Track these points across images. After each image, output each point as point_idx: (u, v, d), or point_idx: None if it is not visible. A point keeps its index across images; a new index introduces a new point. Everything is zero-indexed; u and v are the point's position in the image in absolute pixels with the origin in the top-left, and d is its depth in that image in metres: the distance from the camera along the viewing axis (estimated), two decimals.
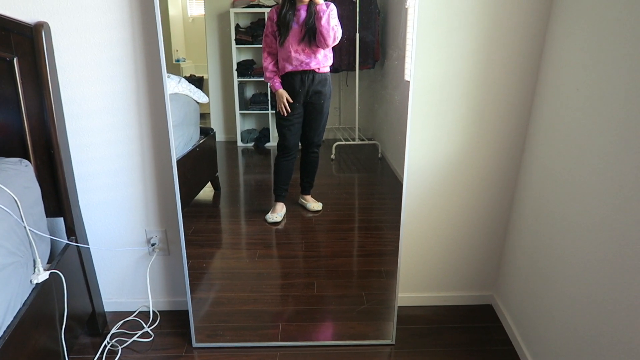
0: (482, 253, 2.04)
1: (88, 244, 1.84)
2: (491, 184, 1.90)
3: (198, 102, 1.93)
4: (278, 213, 2.09)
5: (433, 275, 2.08)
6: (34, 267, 1.46)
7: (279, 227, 2.13)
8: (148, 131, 1.75)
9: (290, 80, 1.84)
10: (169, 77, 1.61)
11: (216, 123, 2.04)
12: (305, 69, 1.81)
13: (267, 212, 2.11)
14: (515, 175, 1.88)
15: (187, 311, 1.88)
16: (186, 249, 1.75)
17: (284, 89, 1.86)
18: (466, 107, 1.76)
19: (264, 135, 2.11)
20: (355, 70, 1.93)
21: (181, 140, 1.79)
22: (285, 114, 1.87)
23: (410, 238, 1.99)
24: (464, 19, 1.64)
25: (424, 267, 2.06)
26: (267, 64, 1.85)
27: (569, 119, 1.49)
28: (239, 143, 2.10)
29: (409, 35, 1.72)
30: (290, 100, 1.85)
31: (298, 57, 1.79)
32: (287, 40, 1.78)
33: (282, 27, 1.77)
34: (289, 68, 1.81)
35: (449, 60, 1.70)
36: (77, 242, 1.72)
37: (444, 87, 1.73)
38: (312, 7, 1.72)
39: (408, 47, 1.62)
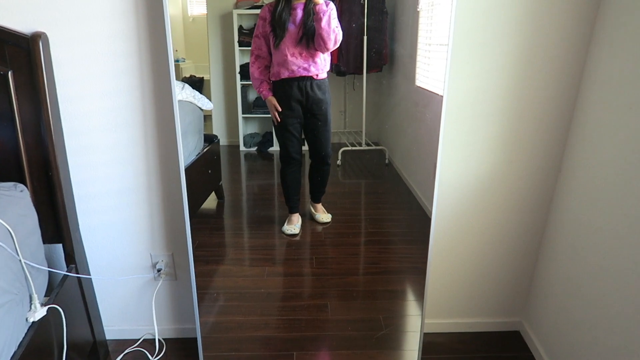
0: (511, 277, 1.93)
1: (89, 272, 1.71)
2: (523, 205, 1.79)
3: (202, 109, 1.83)
4: (295, 224, 1.99)
5: (458, 300, 1.97)
6: (30, 303, 1.33)
7: (294, 239, 2.04)
8: (154, 148, 1.62)
9: (287, 87, 1.70)
10: None
11: (218, 127, 1.97)
12: (303, 75, 1.67)
13: (274, 222, 2.03)
14: (549, 196, 1.77)
15: (194, 339, 1.76)
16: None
17: (279, 97, 1.73)
18: (499, 124, 1.65)
19: (267, 139, 2.04)
20: (362, 73, 1.84)
21: (185, 150, 1.67)
22: (277, 122, 1.75)
23: (434, 260, 1.87)
24: (499, 30, 1.52)
25: (448, 291, 1.95)
26: (254, 69, 1.71)
27: (618, 139, 1.37)
28: (242, 147, 2.03)
29: (421, 40, 1.64)
30: (279, 109, 1.72)
31: (295, 61, 1.65)
32: (282, 42, 1.63)
33: (277, 28, 1.62)
34: (285, 74, 1.67)
35: (482, 74, 1.58)
36: (77, 271, 1.59)
37: (476, 102, 1.62)
38: (309, 5, 1.57)
39: (420, 52, 1.52)
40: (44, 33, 1.40)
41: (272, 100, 1.72)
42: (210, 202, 2.04)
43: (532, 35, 1.52)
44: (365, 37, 1.75)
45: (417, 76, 1.72)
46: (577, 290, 1.59)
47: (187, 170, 1.62)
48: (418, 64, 1.71)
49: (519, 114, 1.63)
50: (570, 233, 1.64)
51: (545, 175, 1.74)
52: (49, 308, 1.37)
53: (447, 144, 1.68)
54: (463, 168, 1.72)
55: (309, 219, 2.03)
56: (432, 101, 1.67)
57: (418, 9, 1.65)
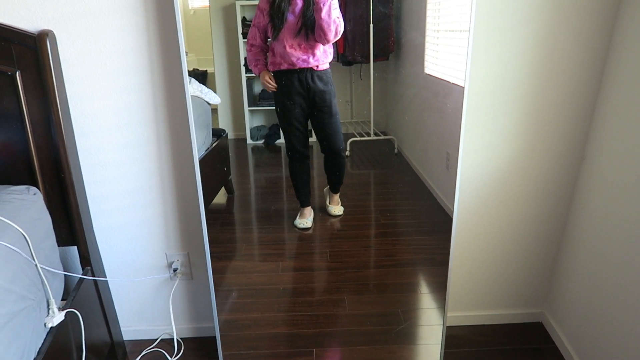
0: (533, 267, 1.89)
1: (104, 274, 1.69)
2: (545, 194, 1.75)
3: (209, 103, 1.80)
4: (307, 218, 1.96)
5: (479, 292, 1.94)
6: (48, 308, 1.30)
7: (306, 232, 2.01)
8: (167, 146, 1.59)
9: (287, 79, 1.66)
10: None
11: (224, 120, 1.93)
12: (303, 66, 1.62)
13: (284, 216, 2.00)
14: (572, 184, 1.73)
15: (212, 337, 1.75)
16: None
17: (280, 88, 1.69)
18: (519, 112, 1.60)
19: (274, 132, 1.99)
20: (369, 62, 1.79)
21: None
22: (272, 89, 1.69)
23: (455, 251, 1.83)
24: (518, 14, 1.46)
25: (468, 283, 1.91)
26: (249, 55, 1.67)
27: None
28: (249, 141, 1.99)
29: (429, 26, 1.61)
30: (273, 83, 1.67)
31: (294, 53, 1.59)
32: (281, 33, 1.58)
33: (276, 18, 1.57)
34: (285, 66, 1.62)
35: (501, 61, 1.53)
36: (92, 274, 1.57)
37: (496, 90, 1.57)
38: None
39: (429, 39, 1.49)
40: (51, 31, 1.36)
41: (266, 74, 1.67)
42: (220, 197, 2.01)
43: (553, 19, 1.47)
44: (371, 25, 1.70)
45: (426, 64, 1.68)
46: (600, 281, 1.56)
47: None
48: (427, 51, 1.67)
49: (540, 101, 1.59)
50: (594, 222, 1.60)
51: (568, 164, 1.69)
52: (67, 312, 1.34)
53: (466, 133, 1.63)
54: (483, 158, 1.68)
55: (320, 212, 2.00)
56: (442, 89, 1.64)
57: None
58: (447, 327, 1.95)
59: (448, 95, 1.60)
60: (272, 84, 1.67)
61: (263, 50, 1.67)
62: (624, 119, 1.43)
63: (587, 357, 1.65)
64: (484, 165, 1.70)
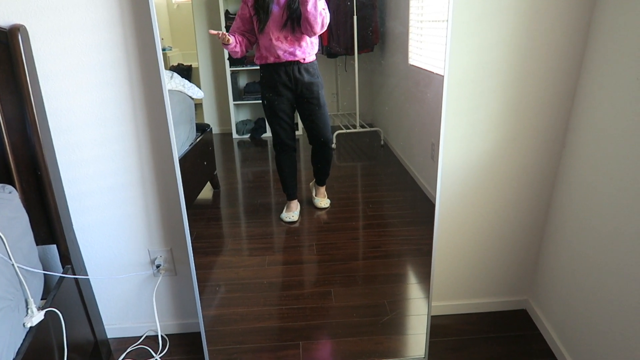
0: (517, 255, 1.91)
1: (86, 272, 1.67)
2: (528, 182, 1.76)
3: (192, 98, 1.78)
4: (294, 212, 1.95)
5: (463, 281, 1.95)
6: (27, 308, 1.29)
7: (294, 225, 2.00)
8: (146, 141, 1.57)
9: (274, 72, 1.64)
10: None
11: (209, 115, 1.92)
12: (290, 59, 1.61)
13: (271, 210, 1.99)
14: (554, 172, 1.74)
15: (198, 333, 1.74)
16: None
17: (267, 81, 1.67)
18: (501, 100, 1.61)
19: (260, 125, 1.98)
20: (353, 54, 1.78)
21: (178, 141, 1.62)
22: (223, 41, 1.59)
23: (440, 241, 1.85)
24: (498, 3, 1.46)
25: (453, 272, 1.93)
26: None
27: (624, 112, 1.33)
28: (234, 135, 1.98)
29: (412, 17, 1.61)
30: (231, 40, 1.57)
31: (280, 45, 1.58)
32: (267, 26, 1.56)
33: (261, 10, 1.55)
34: (271, 59, 1.61)
35: (482, 49, 1.53)
36: (73, 272, 1.55)
37: (477, 79, 1.57)
38: None
39: (412, 29, 1.50)
40: (22, 25, 1.33)
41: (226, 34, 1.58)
42: (206, 192, 1.99)
43: (532, 5, 1.47)
44: (355, 17, 1.69)
45: (410, 54, 1.68)
46: (584, 267, 1.58)
47: (180, 161, 1.58)
48: (410, 42, 1.67)
49: (521, 89, 1.59)
50: (576, 209, 1.62)
51: (549, 152, 1.70)
52: (46, 312, 1.33)
53: (448, 123, 1.64)
54: (466, 147, 1.69)
55: (307, 205, 1.99)
56: (426, 79, 1.64)
57: None
58: (434, 316, 1.97)
59: (430, 85, 1.60)
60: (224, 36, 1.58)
61: (244, 35, 1.63)
62: (603, 107, 1.44)
63: (570, 343, 1.67)
64: (466, 155, 1.70)
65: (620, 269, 1.37)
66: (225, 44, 1.58)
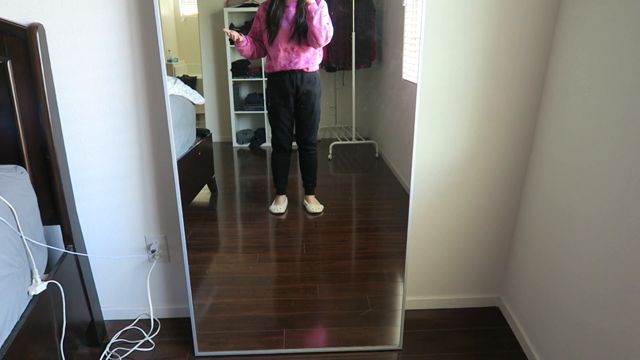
0: (489, 254, 2.01)
1: (86, 252, 1.79)
2: (498, 184, 1.87)
3: (194, 104, 1.88)
4: (281, 205, 2.05)
5: (439, 278, 2.05)
6: (31, 278, 1.41)
7: (280, 229, 2.09)
8: (147, 135, 1.70)
9: (280, 80, 1.79)
10: None
11: (211, 124, 2.00)
12: (294, 68, 1.75)
13: (266, 214, 2.07)
14: (522, 175, 1.85)
15: (188, 318, 1.83)
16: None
17: (273, 88, 1.82)
18: (472, 107, 1.73)
19: (259, 135, 2.06)
20: (351, 69, 1.87)
21: (178, 143, 1.73)
22: (234, 39, 1.76)
23: (415, 240, 1.96)
24: (470, 17, 1.60)
25: (429, 269, 2.03)
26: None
27: (580, 118, 1.46)
28: (234, 144, 2.06)
29: (407, 34, 1.69)
30: (242, 38, 1.75)
31: (287, 55, 1.73)
32: (276, 38, 1.72)
33: (272, 24, 1.71)
34: (278, 67, 1.76)
35: (455, 59, 1.66)
36: (74, 251, 1.67)
37: (450, 86, 1.70)
38: (302, 4, 1.65)
39: (407, 46, 1.58)
40: (40, 24, 1.47)
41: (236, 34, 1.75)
42: (204, 195, 2.08)
43: (499, 21, 1.60)
44: (353, 34, 1.79)
45: (404, 70, 1.75)
46: (549, 267, 1.66)
47: (179, 162, 1.67)
48: (405, 58, 1.75)
49: (490, 96, 1.71)
50: (542, 211, 1.71)
51: (517, 155, 1.81)
52: (49, 283, 1.44)
53: (424, 128, 1.75)
54: (440, 150, 1.80)
55: (301, 209, 2.08)
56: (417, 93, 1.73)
57: (403, 4, 1.70)
58: (411, 310, 2.06)
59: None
60: (233, 35, 1.75)
61: (254, 42, 1.78)
62: (565, 115, 1.55)
63: (537, 338, 1.75)
64: (441, 158, 1.81)
65: (580, 271, 1.45)
66: (237, 41, 1.74)
